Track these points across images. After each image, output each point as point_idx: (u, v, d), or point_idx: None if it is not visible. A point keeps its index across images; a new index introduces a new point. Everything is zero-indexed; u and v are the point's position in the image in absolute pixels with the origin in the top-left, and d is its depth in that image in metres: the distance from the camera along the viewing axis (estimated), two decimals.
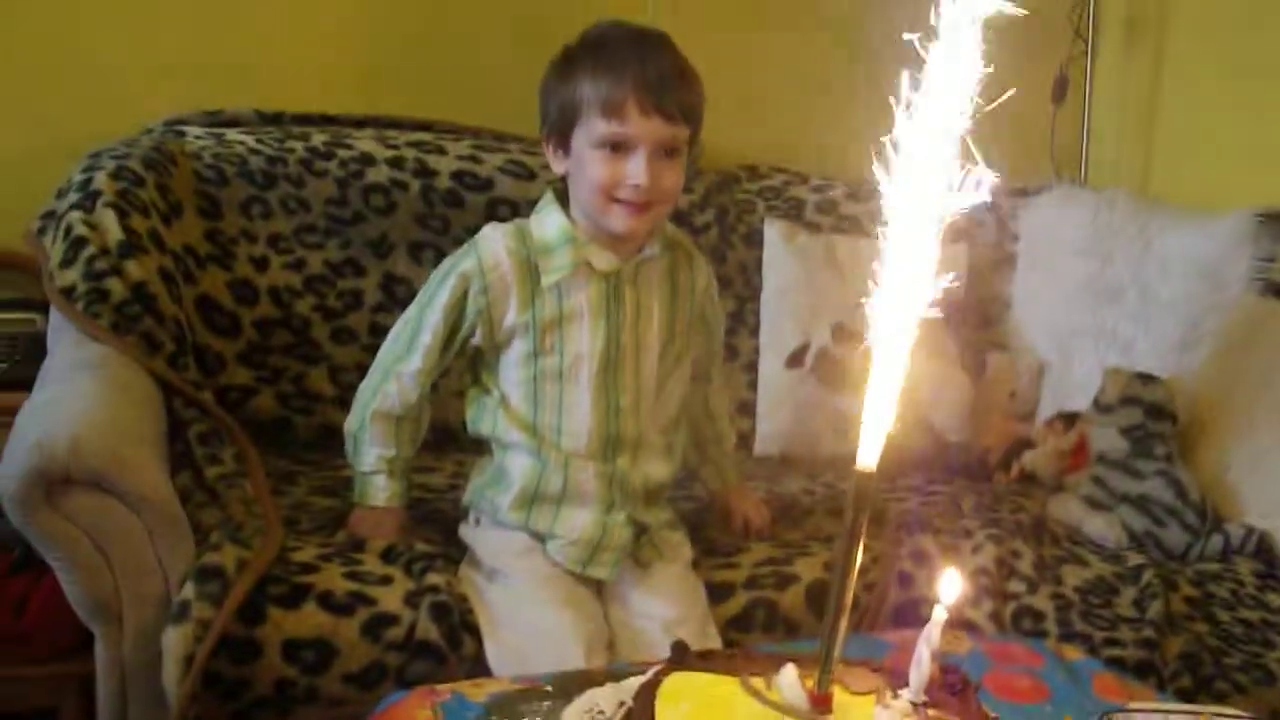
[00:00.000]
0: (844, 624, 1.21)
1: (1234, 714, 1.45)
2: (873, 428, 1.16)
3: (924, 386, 2.62)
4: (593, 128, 1.83)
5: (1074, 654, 1.75)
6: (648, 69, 1.81)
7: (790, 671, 1.25)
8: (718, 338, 2.18)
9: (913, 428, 2.58)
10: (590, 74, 1.82)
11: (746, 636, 1.99)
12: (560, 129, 1.88)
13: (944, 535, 2.25)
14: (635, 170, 1.82)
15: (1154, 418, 2.49)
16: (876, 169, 1.07)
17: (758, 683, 1.26)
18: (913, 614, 2.11)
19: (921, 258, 1.13)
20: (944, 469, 2.67)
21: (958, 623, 1.92)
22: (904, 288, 1.14)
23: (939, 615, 1.26)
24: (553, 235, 1.91)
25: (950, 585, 1.27)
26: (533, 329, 1.89)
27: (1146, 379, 2.55)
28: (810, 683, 1.24)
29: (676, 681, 1.25)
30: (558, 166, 1.92)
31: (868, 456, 1.17)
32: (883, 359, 1.15)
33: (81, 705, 2.11)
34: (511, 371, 1.93)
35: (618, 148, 1.83)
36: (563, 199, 1.94)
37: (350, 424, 2.00)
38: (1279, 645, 2.11)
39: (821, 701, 1.23)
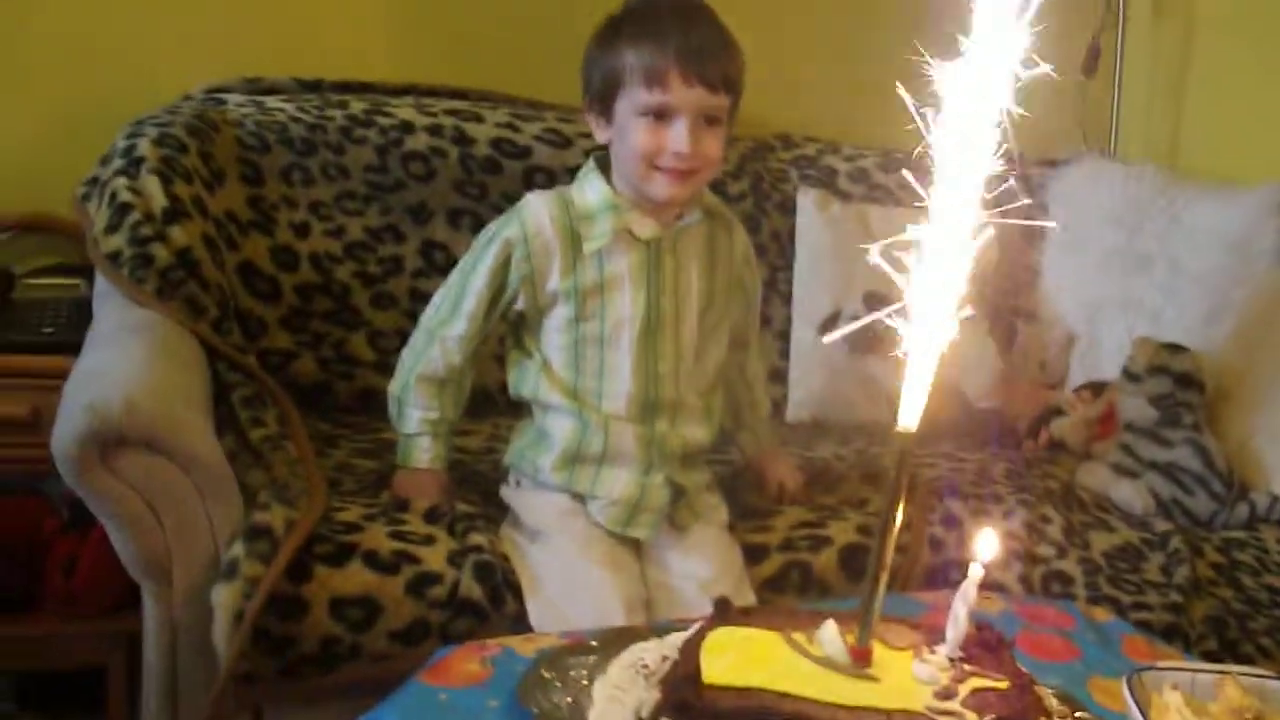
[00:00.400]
0: (884, 580, 1.25)
1: (1262, 673, 1.47)
2: (913, 390, 1.18)
3: (954, 355, 2.64)
4: (635, 96, 1.85)
5: (1103, 616, 1.78)
6: (690, 38, 1.84)
7: (831, 627, 1.29)
8: (755, 305, 2.20)
9: (943, 396, 2.59)
10: (633, 43, 1.85)
11: (780, 597, 2.03)
12: (603, 97, 1.90)
13: (974, 500, 2.29)
14: (677, 138, 1.85)
15: (1182, 387, 2.52)
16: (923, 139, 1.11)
17: (799, 637, 1.30)
18: (943, 577, 2.15)
19: (963, 228, 1.16)
20: (974, 437, 2.69)
21: (988, 585, 1.95)
22: (947, 259, 1.16)
23: (975, 573, 1.30)
24: (595, 202, 1.94)
25: (987, 544, 1.31)
26: (574, 295, 1.92)
27: (1175, 349, 2.57)
28: (851, 638, 1.28)
29: (720, 636, 1.29)
30: (600, 135, 1.95)
31: (908, 418, 1.19)
32: (922, 327, 1.17)
33: (128, 662, 2.16)
34: (553, 336, 1.96)
35: (660, 116, 1.86)
36: (604, 167, 1.97)
37: (394, 387, 2.03)
38: None
39: (862, 655, 1.27)
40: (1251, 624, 2.06)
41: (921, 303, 1.16)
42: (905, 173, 1.16)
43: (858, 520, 2.15)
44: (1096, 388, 2.75)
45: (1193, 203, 2.86)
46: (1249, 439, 2.56)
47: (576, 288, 1.92)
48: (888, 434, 2.68)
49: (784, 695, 1.20)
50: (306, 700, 1.84)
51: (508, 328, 2.03)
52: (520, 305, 1.96)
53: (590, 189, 1.95)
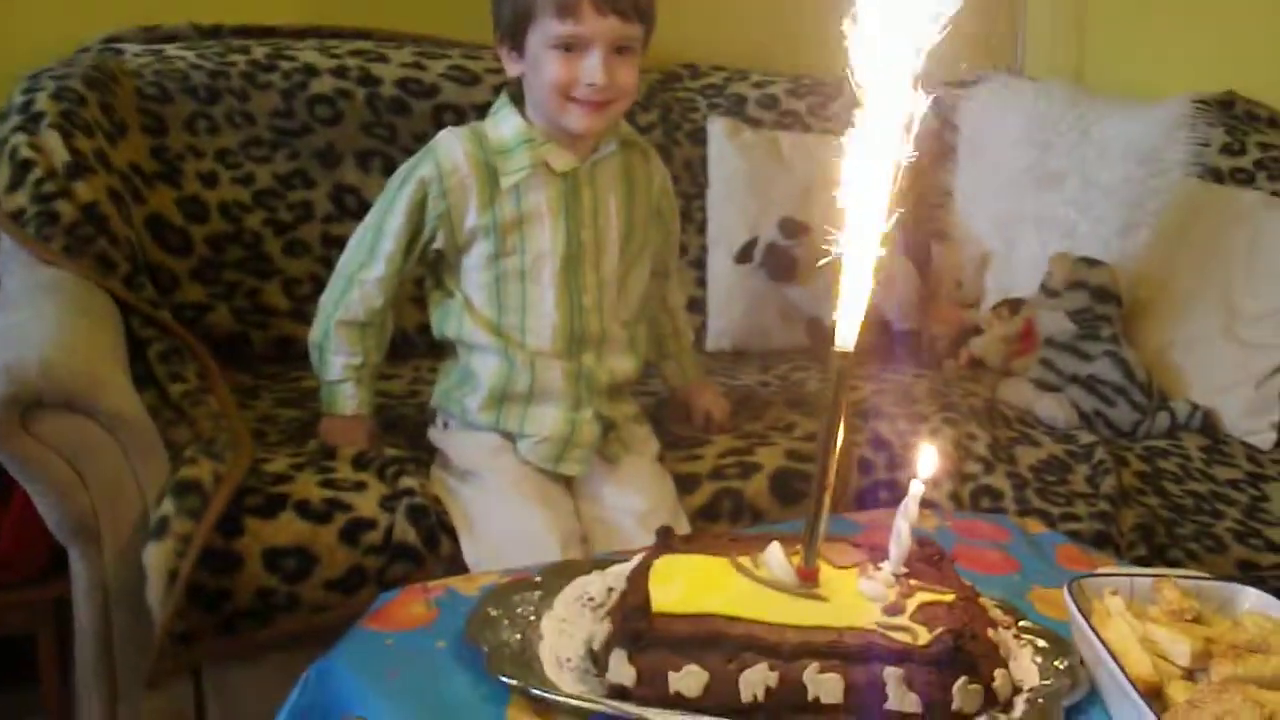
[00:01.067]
0: (827, 500, 1.25)
1: (1196, 575, 1.50)
2: (849, 312, 1.18)
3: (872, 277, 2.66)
4: (547, 28, 1.83)
5: (1037, 528, 1.81)
6: None
7: (776, 549, 1.29)
8: (674, 234, 2.19)
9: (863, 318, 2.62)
10: None
11: (714, 525, 2.03)
12: (513, 31, 1.87)
13: (899, 421, 2.30)
14: (591, 69, 1.83)
15: (1099, 300, 2.55)
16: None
17: (745, 561, 1.30)
18: (873, 497, 2.17)
19: (889, 150, 1.16)
20: (894, 358, 2.70)
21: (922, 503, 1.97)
22: (873, 181, 1.15)
23: (916, 489, 1.31)
24: (509, 137, 1.91)
25: (927, 460, 1.31)
26: (494, 230, 1.90)
27: (1091, 263, 2.60)
28: (796, 559, 1.28)
29: (666, 564, 1.29)
30: (512, 69, 1.92)
31: (845, 338, 1.19)
32: (854, 248, 1.16)
33: (58, 629, 2.12)
34: (474, 274, 1.94)
35: (572, 47, 1.83)
36: (518, 101, 1.94)
37: (314, 334, 2.00)
38: (1227, 515, 2.19)
39: (809, 575, 1.27)
40: (1178, 530, 2.10)
41: (854, 225, 1.15)
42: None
43: (785, 445, 2.16)
44: (1014, 304, 2.77)
45: (1102, 118, 2.88)
46: (1167, 348, 2.60)
47: (495, 223, 1.90)
48: (808, 358, 2.72)
49: (734, 619, 1.20)
50: (245, 656, 1.81)
51: (427, 268, 2.00)
52: (439, 244, 1.93)
53: (505, 124, 1.93)
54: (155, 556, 1.69)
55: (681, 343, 2.26)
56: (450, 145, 1.92)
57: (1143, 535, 2.05)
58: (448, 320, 1.98)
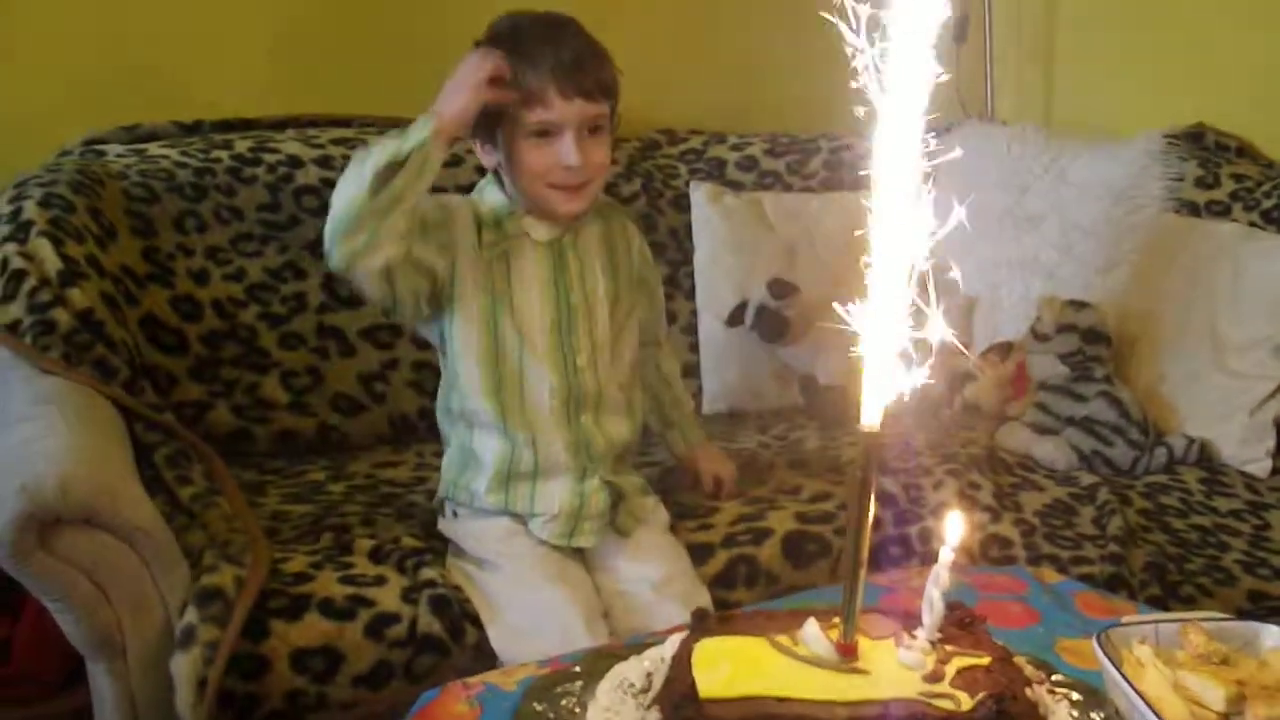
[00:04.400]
0: (862, 576, 1.26)
1: (1218, 616, 1.51)
2: (875, 389, 1.20)
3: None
4: (518, 119, 1.86)
5: (1053, 576, 1.82)
6: (562, 53, 1.85)
7: (813, 625, 1.30)
8: (658, 301, 2.23)
9: (855, 376, 2.64)
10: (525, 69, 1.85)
11: (730, 592, 2.05)
12: (485, 124, 1.90)
13: (902, 475, 2.32)
14: (566, 152, 1.87)
15: (1090, 341, 2.58)
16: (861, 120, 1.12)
17: (784, 640, 1.31)
18: (884, 554, 2.18)
19: (908, 212, 1.18)
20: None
21: (927, 558, 1.98)
22: (896, 246, 1.17)
23: (946, 556, 1.32)
24: (490, 213, 1.96)
25: (954, 526, 1.33)
26: (490, 293, 1.93)
27: (1079, 305, 2.63)
28: (834, 634, 1.29)
29: (707, 647, 1.30)
30: (487, 161, 1.97)
31: (871, 417, 1.21)
32: (877, 323, 1.18)
33: None
34: (471, 341, 1.94)
35: (545, 134, 1.87)
36: (499, 178, 1.98)
37: (335, 205, 1.81)
38: (1233, 547, 2.21)
39: (848, 650, 1.28)
40: (1188, 565, 2.12)
41: (878, 298, 1.17)
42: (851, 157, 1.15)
43: (794, 508, 2.18)
44: (1003, 349, 2.80)
45: (1076, 158, 2.92)
46: (1158, 383, 2.63)
47: (490, 287, 1.93)
48: (804, 416, 2.72)
49: (783, 699, 1.21)
50: None
51: (430, 331, 2.01)
52: (440, 264, 1.91)
53: (489, 199, 1.98)
54: (184, 666, 1.69)
55: (682, 410, 2.28)
56: (457, 204, 1.97)
57: (1155, 574, 2.06)
58: (450, 396, 2.00)
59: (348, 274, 1.83)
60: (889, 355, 1.18)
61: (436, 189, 2.56)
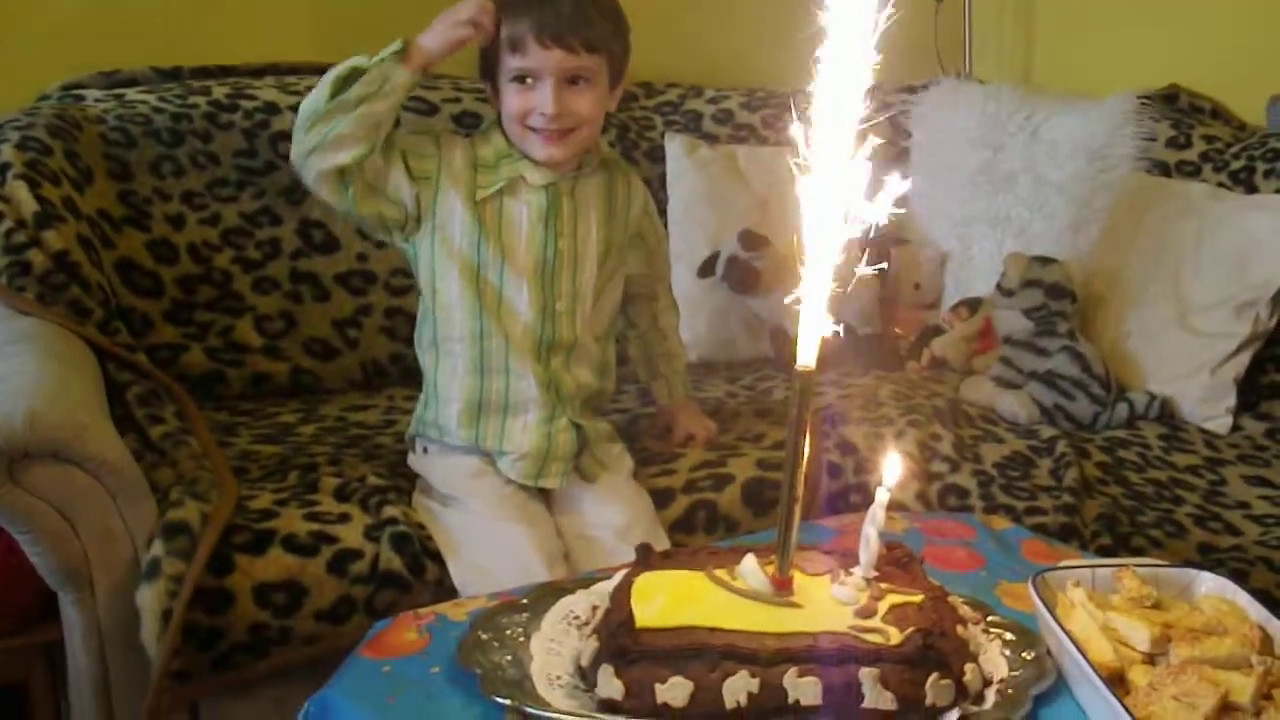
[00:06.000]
0: (797, 511, 1.30)
1: (1154, 562, 1.55)
2: (809, 328, 1.23)
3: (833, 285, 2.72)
4: (505, 64, 1.92)
5: (1002, 524, 1.86)
6: (546, 6, 1.89)
7: (751, 560, 1.34)
8: (660, 257, 2.27)
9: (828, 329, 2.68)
10: (502, 14, 1.90)
11: (690, 538, 2.08)
12: (486, 69, 1.98)
13: (865, 425, 2.36)
14: (542, 100, 1.91)
15: (1054, 297, 2.61)
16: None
17: (722, 574, 1.35)
18: (843, 501, 2.22)
19: (844, 168, 1.21)
20: (857, 362, 2.76)
21: (889, 505, 2.02)
22: (830, 198, 1.20)
23: (882, 497, 1.36)
24: (491, 154, 1.99)
25: (892, 468, 1.37)
26: (478, 230, 1.96)
27: (1045, 261, 2.66)
28: (770, 569, 1.33)
29: (647, 580, 1.34)
30: (494, 102, 2.00)
31: (807, 356, 1.24)
32: (813, 266, 1.21)
33: (49, 674, 2.14)
34: (453, 267, 1.97)
35: (526, 79, 1.91)
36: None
37: (300, 115, 1.89)
38: (1187, 501, 2.25)
39: (783, 584, 1.32)
40: (1141, 518, 2.15)
41: (812, 241, 1.20)
42: (791, 121, 1.18)
43: (756, 455, 2.21)
44: (972, 304, 2.84)
45: (1050, 117, 2.95)
46: (1123, 340, 2.66)
47: (479, 224, 1.96)
48: (773, 368, 2.76)
49: (715, 630, 1.25)
50: (241, 690, 1.85)
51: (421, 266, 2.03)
52: (411, 190, 1.94)
53: (490, 141, 2.00)
54: (149, 598, 1.73)
55: (674, 364, 2.32)
56: (450, 142, 1.99)
57: (1106, 525, 2.10)
58: (424, 325, 2.04)
59: (301, 173, 1.90)
60: (821, 294, 1.21)
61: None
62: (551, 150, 1.94)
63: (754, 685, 1.23)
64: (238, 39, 2.81)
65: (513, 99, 1.93)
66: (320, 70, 2.72)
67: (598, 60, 1.93)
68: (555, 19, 1.88)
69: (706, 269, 2.80)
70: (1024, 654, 1.39)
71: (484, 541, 1.92)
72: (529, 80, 1.91)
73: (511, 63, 1.91)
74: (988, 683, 1.32)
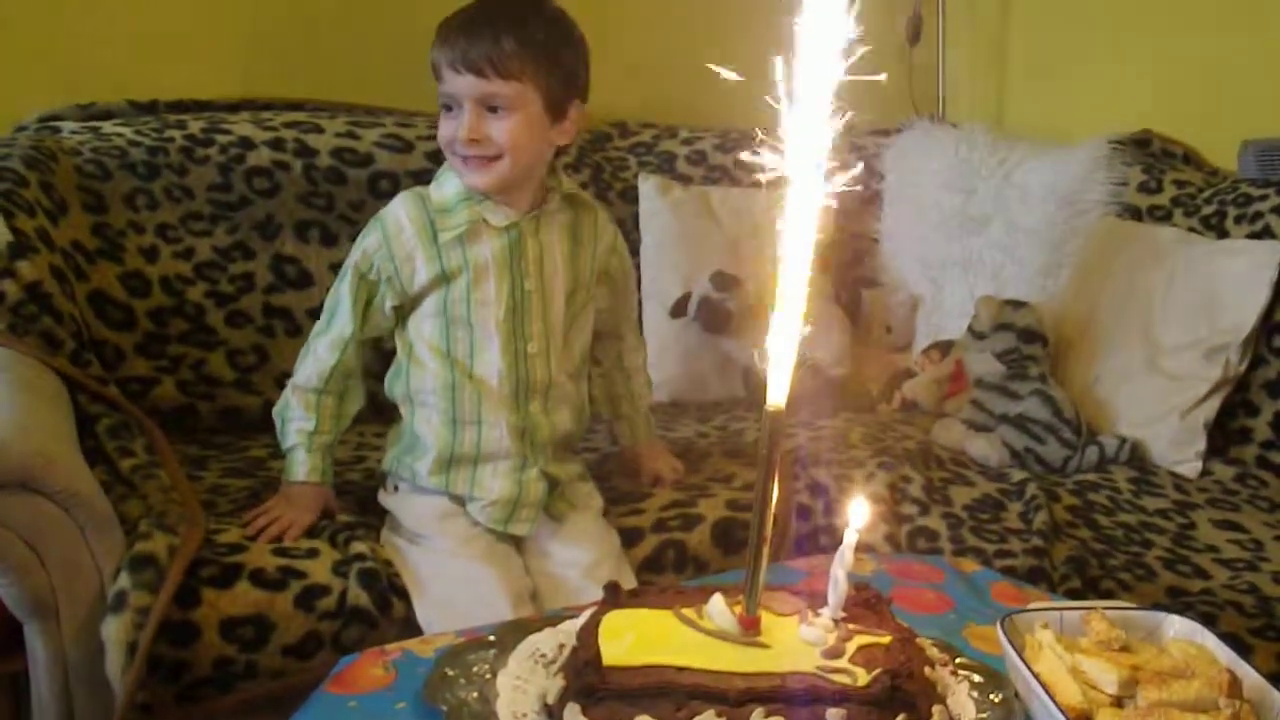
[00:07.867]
0: (766, 551, 1.30)
1: (1121, 605, 1.56)
2: (778, 370, 1.23)
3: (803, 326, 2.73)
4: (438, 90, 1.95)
5: (971, 566, 1.86)
6: (464, 31, 1.90)
7: (719, 600, 1.34)
8: (628, 295, 2.26)
9: (796, 366, 2.69)
10: (435, 43, 1.93)
11: (658, 577, 2.09)
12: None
13: (836, 467, 2.37)
14: (459, 124, 1.92)
15: (1026, 341, 2.63)
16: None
17: (690, 613, 1.35)
18: (813, 543, 2.22)
19: (813, 205, 1.21)
20: (829, 404, 2.77)
21: (858, 547, 2.01)
22: (800, 237, 1.20)
23: (850, 539, 1.36)
24: (450, 196, 1.98)
25: (858, 511, 1.37)
26: (442, 282, 1.97)
27: (1016, 305, 2.68)
28: (738, 609, 1.33)
29: (615, 619, 1.33)
30: None
31: (776, 396, 1.24)
32: (783, 308, 1.22)
33: (13, 706, 2.12)
34: (425, 325, 1.99)
35: (449, 107, 1.94)
36: None
37: (277, 406, 2.05)
38: (1156, 544, 2.25)
39: (751, 624, 1.32)
40: (1110, 561, 2.16)
41: (783, 283, 1.20)
42: (746, 156, 1.19)
43: (726, 495, 2.22)
44: (944, 347, 2.85)
45: (1023, 161, 2.98)
46: (1093, 384, 2.68)
47: (443, 274, 1.96)
48: (745, 408, 2.77)
49: (681, 669, 1.25)
50: None
51: (397, 327, 2.05)
52: (392, 302, 2.00)
53: (447, 185, 2.00)
54: (114, 630, 1.71)
55: (636, 404, 2.31)
56: (395, 210, 1.99)
57: (1075, 568, 2.10)
58: (397, 378, 2.04)
59: None
60: (792, 333, 1.21)
61: (384, 178, 2.62)
62: (478, 177, 1.94)
63: None
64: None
65: (442, 126, 1.95)
66: (295, 105, 2.77)
67: (516, 88, 1.90)
68: (468, 46, 1.89)
69: (679, 309, 2.81)
70: (992, 696, 1.38)
71: (450, 580, 1.92)
72: (452, 108, 1.93)
73: (439, 89, 1.94)
74: None
